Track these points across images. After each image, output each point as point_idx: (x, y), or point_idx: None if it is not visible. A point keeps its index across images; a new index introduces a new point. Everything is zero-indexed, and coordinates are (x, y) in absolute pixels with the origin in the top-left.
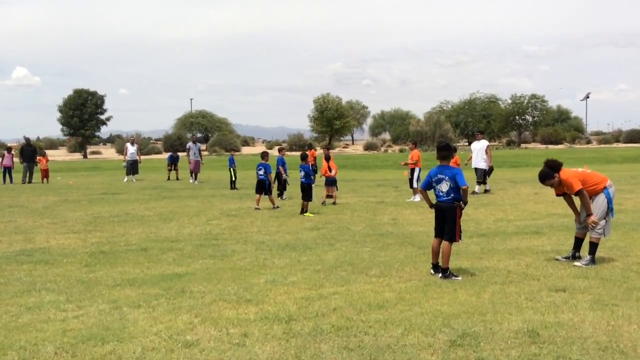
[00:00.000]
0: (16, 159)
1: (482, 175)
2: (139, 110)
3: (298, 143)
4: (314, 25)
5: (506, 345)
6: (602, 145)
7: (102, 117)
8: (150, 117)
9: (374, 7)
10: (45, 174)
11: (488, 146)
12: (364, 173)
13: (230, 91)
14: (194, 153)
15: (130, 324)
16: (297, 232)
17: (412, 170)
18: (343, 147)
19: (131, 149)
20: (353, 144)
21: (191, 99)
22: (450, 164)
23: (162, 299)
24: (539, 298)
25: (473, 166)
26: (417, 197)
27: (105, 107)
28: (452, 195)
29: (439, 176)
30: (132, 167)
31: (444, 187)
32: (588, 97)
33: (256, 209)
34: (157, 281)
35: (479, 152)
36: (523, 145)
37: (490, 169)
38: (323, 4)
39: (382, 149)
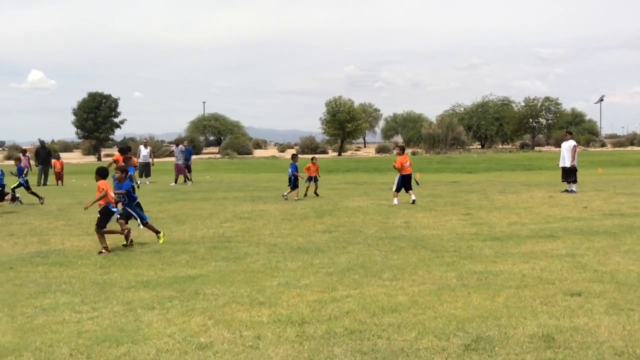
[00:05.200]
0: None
1: (573, 174)
2: (153, 113)
3: (310, 146)
4: (327, 28)
5: (521, 350)
6: (617, 149)
7: (116, 120)
8: (164, 120)
9: (386, 9)
10: (59, 176)
11: (575, 146)
12: (376, 176)
13: (243, 94)
14: (177, 157)
15: (145, 325)
16: (310, 235)
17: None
18: (355, 150)
19: (144, 152)
20: (365, 147)
21: (204, 102)
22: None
23: (176, 301)
24: (554, 302)
25: (560, 165)
26: (395, 201)
27: (119, 110)
28: None
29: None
30: (145, 170)
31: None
32: (602, 100)
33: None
34: (171, 283)
35: (567, 151)
36: (537, 148)
37: (574, 168)
38: (336, 6)
39: (394, 151)
